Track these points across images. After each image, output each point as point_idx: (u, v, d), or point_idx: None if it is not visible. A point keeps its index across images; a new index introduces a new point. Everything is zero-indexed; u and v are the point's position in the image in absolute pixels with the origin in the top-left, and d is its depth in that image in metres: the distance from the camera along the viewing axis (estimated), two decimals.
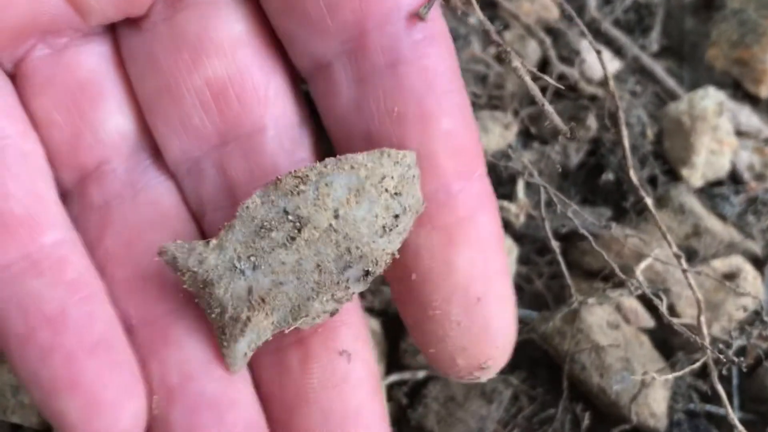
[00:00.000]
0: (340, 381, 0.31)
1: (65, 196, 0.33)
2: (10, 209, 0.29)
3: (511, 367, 0.50)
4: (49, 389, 0.28)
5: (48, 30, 0.31)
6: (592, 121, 0.56)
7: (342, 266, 0.29)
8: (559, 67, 0.55)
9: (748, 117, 0.59)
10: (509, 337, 0.31)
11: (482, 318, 0.30)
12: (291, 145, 0.32)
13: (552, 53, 0.55)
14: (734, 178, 0.58)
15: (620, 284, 0.47)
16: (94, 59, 0.33)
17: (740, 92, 0.61)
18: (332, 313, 0.30)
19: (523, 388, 0.49)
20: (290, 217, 0.29)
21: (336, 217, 0.29)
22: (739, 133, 0.58)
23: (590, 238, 0.46)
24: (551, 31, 0.59)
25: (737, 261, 0.54)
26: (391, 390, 0.48)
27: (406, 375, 0.48)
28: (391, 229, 0.29)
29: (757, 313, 0.49)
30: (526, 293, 0.53)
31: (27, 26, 0.30)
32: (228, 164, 0.32)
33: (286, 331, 0.30)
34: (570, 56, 0.57)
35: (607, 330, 0.50)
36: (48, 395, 0.28)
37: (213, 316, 0.30)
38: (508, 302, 0.31)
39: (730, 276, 0.53)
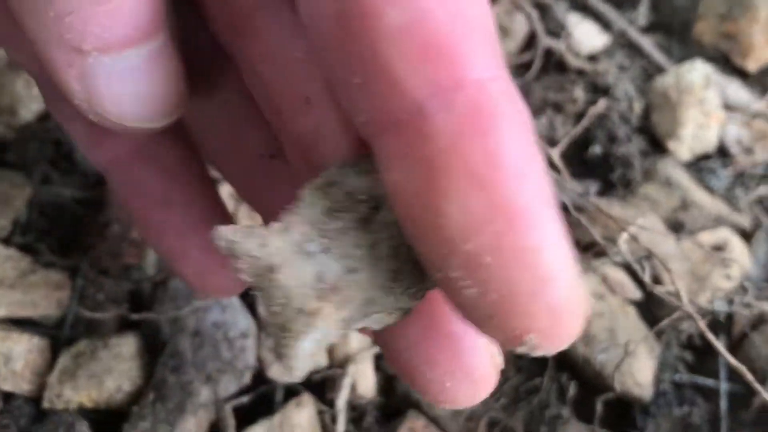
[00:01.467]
0: None
1: None
2: None
3: None
4: None
5: None
6: (579, 95, 0.56)
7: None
8: (546, 41, 0.55)
9: (737, 91, 0.59)
10: (562, 296, 0.21)
11: (494, 279, 0.21)
12: None
13: (539, 27, 0.55)
14: (722, 151, 0.58)
15: (603, 254, 0.47)
16: None
17: (729, 66, 0.61)
18: (404, 312, 0.25)
19: (509, 358, 0.49)
20: (362, 197, 0.24)
21: None
22: (728, 107, 0.58)
23: (573, 211, 0.46)
24: (538, 5, 0.59)
25: (725, 234, 0.54)
26: (378, 360, 0.48)
27: None
28: None
29: (743, 288, 0.50)
30: None
31: None
32: None
33: (352, 330, 0.25)
34: (557, 30, 0.58)
35: (593, 301, 0.50)
36: None
37: (274, 309, 0.24)
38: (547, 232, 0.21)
39: (717, 248, 0.53)
